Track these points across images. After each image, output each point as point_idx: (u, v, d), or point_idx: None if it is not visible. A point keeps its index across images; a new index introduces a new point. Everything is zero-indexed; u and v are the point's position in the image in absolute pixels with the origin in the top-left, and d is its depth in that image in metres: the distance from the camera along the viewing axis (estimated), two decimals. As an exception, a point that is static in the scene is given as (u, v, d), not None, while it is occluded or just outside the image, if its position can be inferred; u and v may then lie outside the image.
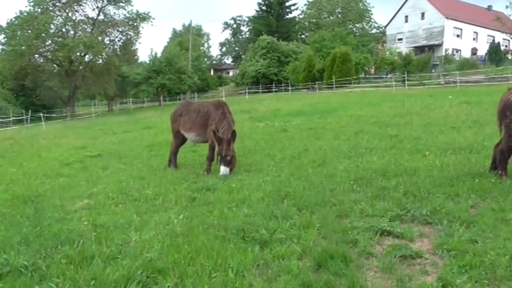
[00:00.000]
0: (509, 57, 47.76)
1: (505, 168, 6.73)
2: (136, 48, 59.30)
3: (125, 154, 13.42)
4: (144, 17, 54.21)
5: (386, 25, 69.91)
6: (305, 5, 76.57)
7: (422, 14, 62.64)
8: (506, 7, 44.17)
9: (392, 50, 55.53)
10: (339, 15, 73.10)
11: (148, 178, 9.11)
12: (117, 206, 6.88)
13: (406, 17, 65.31)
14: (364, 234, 4.84)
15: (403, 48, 60.00)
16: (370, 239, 4.71)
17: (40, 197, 8.00)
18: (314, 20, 75.24)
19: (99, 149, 14.88)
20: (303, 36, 76.80)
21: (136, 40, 56.95)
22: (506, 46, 56.03)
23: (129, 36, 56.15)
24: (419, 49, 60.89)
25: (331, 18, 73.30)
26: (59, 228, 5.65)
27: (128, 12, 54.51)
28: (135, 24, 54.89)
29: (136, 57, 61.68)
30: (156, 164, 10.94)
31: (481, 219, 5.06)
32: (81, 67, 52.80)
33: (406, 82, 37.72)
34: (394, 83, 38.94)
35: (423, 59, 49.74)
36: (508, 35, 46.03)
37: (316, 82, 47.46)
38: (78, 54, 51.47)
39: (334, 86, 44.00)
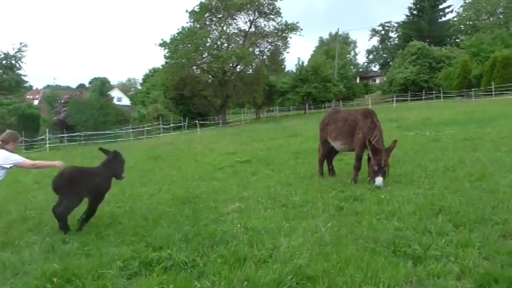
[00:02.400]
0: None
1: None
2: (284, 58, 61.11)
3: (272, 161, 13.83)
4: (292, 28, 55.58)
5: (559, 24, 62.01)
6: (461, 6, 71.77)
7: None
8: None
9: None
10: (501, 16, 66.89)
11: (295, 185, 9.28)
12: (266, 211, 7.11)
13: None
14: (535, 258, 4.32)
15: None
16: (542, 265, 4.19)
17: (197, 198, 8.62)
18: (470, 23, 70.07)
19: (248, 155, 15.55)
20: (457, 40, 71.93)
21: (284, 50, 58.70)
22: None
23: (277, 47, 58.07)
24: None
25: (491, 19, 67.50)
26: (214, 229, 6.02)
27: (277, 24, 56.48)
28: (284, 34, 56.58)
29: (283, 66, 63.49)
30: (302, 171, 11.09)
31: None
32: (232, 77, 56.03)
33: None
34: None
35: None
36: None
37: (472, 89, 43.97)
38: (231, 65, 54.68)
39: (493, 93, 40.31)
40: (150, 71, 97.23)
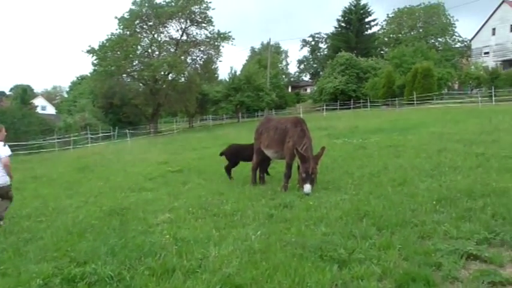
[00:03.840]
0: None
1: None
2: (217, 67, 61.15)
3: (205, 170, 13.78)
4: (224, 37, 55.78)
5: (472, 38, 66.77)
6: (385, 20, 75.38)
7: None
8: None
9: (477, 65, 52.86)
10: (421, 30, 71.04)
11: (227, 194, 9.29)
12: (197, 221, 7.06)
13: (494, 29, 61.96)
14: (449, 257, 4.61)
15: (490, 62, 56.93)
16: (455, 263, 4.48)
17: (125, 210, 8.40)
18: (394, 36, 73.76)
19: (180, 165, 15.40)
20: (382, 52, 75.34)
21: (217, 59, 58.70)
22: None
23: (210, 55, 57.98)
24: (508, 63, 57.40)
25: (412, 33, 71.44)
26: (143, 241, 5.89)
27: (209, 33, 56.45)
28: (216, 43, 56.64)
29: (216, 75, 63.46)
30: (234, 180, 11.13)
31: None
32: (164, 86, 55.22)
33: (494, 98, 35.66)
34: (480, 98, 36.94)
35: (512, 73, 46.79)
36: None
37: (396, 98, 46.20)
38: (162, 73, 53.87)
39: (415, 102, 42.58)
40: (77, 78, 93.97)
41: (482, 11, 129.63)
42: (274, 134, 9.76)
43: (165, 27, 55.45)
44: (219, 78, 65.43)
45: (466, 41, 69.49)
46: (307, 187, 8.37)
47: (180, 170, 14.09)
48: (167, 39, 56.62)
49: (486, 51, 62.40)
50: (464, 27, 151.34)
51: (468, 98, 42.54)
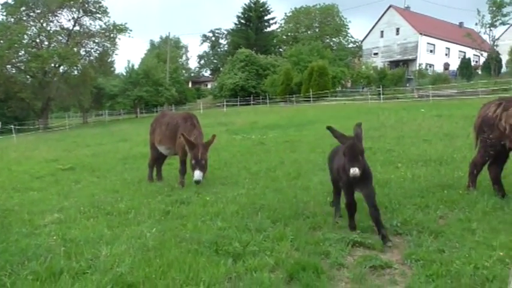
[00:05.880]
0: (479, 72, 48.79)
1: (474, 180, 6.86)
2: (113, 60, 59.02)
3: (99, 167, 13.22)
4: (121, 29, 53.79)
5: (363, 40, 71.16)
6: (283, 19, 77.51)
7: (397, 30, 64.09)
8: (476, 24, 45.23)
9: (368, 64, 56.42)
10: (317, 30, 74.07)
11: (121, 191, 8.97)
12: (89, 220, 6.72)
13: (382, 32, 66.69)
14: (336, 245, 4.88)
15: (379, 62, 61.21)
16: (342, 250, 4.75)
17: (7, 212, 7.73)
18: (292, 34, 76.07)
19: (72, 162, 14.61)
20: (281, 49, 77.45)
21: (113, 52, 56.56)
22: (476, 62, 57.37)
23: (105, 48, 55.65)
24: (394, 63, 62.18)
25: (309, 32, 74.19)
26: (27, 244, 5.48)
27: (104, 24, 54.12)
28: (112, 35, 54.44)
29: (112, 68, 61.24)
30: (130, 177, 10.79)
31: (448, 229, 5.20)
32: (55, 78, 52.09)
33: (381, 96, 38.32)
34: (369, 96, 39.52)
35: (397, 73, 50.62)
36: (478, 51, 47.07)
37: (294, 95, 47.82)
38: (53, 65, 50.77)
39: (311, 99, 44.39)
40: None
41: (372, 14, 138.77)
42: (166, 130, 9.58)
43: (56, 16, 52.24)
44: (116, 71, 63.39)
45: (357, 42, 73.66)
46: (196, 174, 8.15)
47: (72, 168, 13.35)
48: (58, 29, 53.35)
49: (375, 52, 66.94)
50: (357, 29, 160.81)
51: (359, 95, 45.32)
